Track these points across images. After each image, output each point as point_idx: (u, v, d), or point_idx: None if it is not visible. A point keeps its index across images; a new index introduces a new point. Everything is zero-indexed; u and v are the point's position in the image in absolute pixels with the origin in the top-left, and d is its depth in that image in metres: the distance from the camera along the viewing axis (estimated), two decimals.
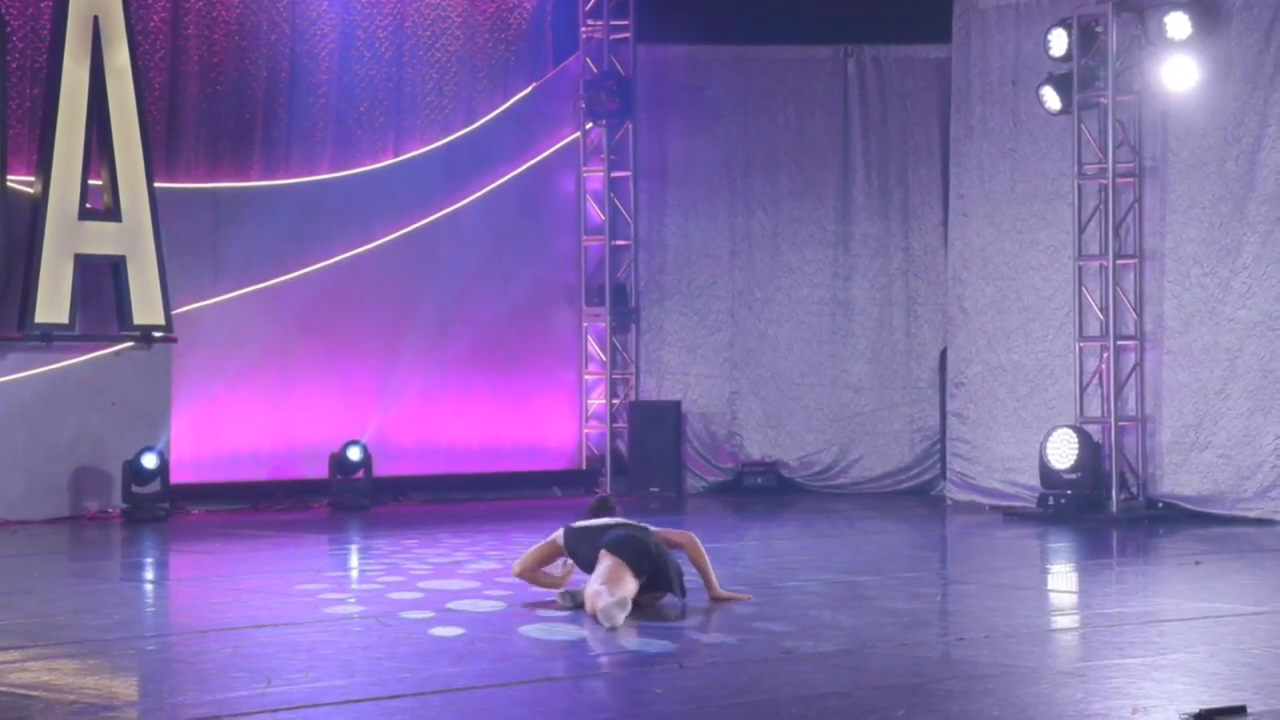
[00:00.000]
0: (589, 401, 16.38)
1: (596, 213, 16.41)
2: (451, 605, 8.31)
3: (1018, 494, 13.97)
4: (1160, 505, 13.34)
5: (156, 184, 13.67)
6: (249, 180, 14.54)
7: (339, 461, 14.34)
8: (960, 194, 14.68)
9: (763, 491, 15.58)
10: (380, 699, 5.99)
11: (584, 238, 16.38)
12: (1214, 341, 13.09)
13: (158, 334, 13.60)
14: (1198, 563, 10.28)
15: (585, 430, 16.33)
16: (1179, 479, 13.26)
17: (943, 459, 14.98)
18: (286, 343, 14.63)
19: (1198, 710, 5.24)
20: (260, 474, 14.47)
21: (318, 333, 14.77)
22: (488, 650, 7.12)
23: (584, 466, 16.18)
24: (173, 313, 13.70)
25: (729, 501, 15.27)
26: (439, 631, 7.54)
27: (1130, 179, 13.55)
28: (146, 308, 13.55)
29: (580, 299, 16.35)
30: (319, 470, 14.41)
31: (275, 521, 13.21)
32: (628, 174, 16.36)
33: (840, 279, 15.85)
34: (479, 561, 10.25)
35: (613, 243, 16.34)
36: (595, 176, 16.37)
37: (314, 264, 14.71)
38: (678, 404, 16.01)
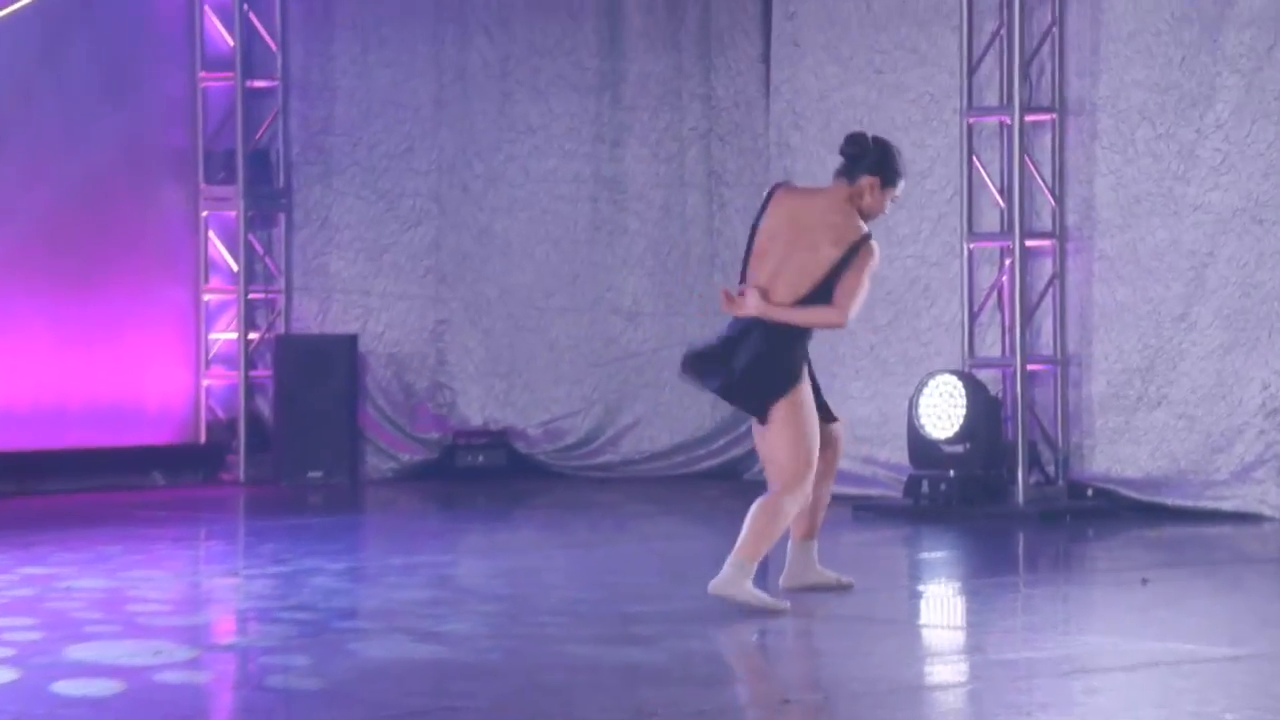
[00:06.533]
0: (211, 336, 16.20)
1: (222, 35, 16.14)
2: None
3: (875, 477, 14.14)
4: (1090, 493, 13.58)
5: None
6: None
7: None
8: (790, 13, 14.77)
9: (486, 475, 15.71)
10: None
11: (201, 74, 16.11)
12: (1171, 240, 13.27)
13: None
14: (1145, 581, 10.46)
15: (205, 381, 16.18)
16: (1118, 453, 13.47)
17: None
18: None
19: None
20: None
21: None
22: None
23: (202, 439, 16.10)
24: None
25: (433, 492, 15.42)
26: None
27: None
28: None
29: (197, 173, 16.12)
30: None
31: None
32: None
33: (606, 144, 15.93)
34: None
35: (248, 84, 16.11)
36: None
37: None
38: (353, 339, 15.94)
